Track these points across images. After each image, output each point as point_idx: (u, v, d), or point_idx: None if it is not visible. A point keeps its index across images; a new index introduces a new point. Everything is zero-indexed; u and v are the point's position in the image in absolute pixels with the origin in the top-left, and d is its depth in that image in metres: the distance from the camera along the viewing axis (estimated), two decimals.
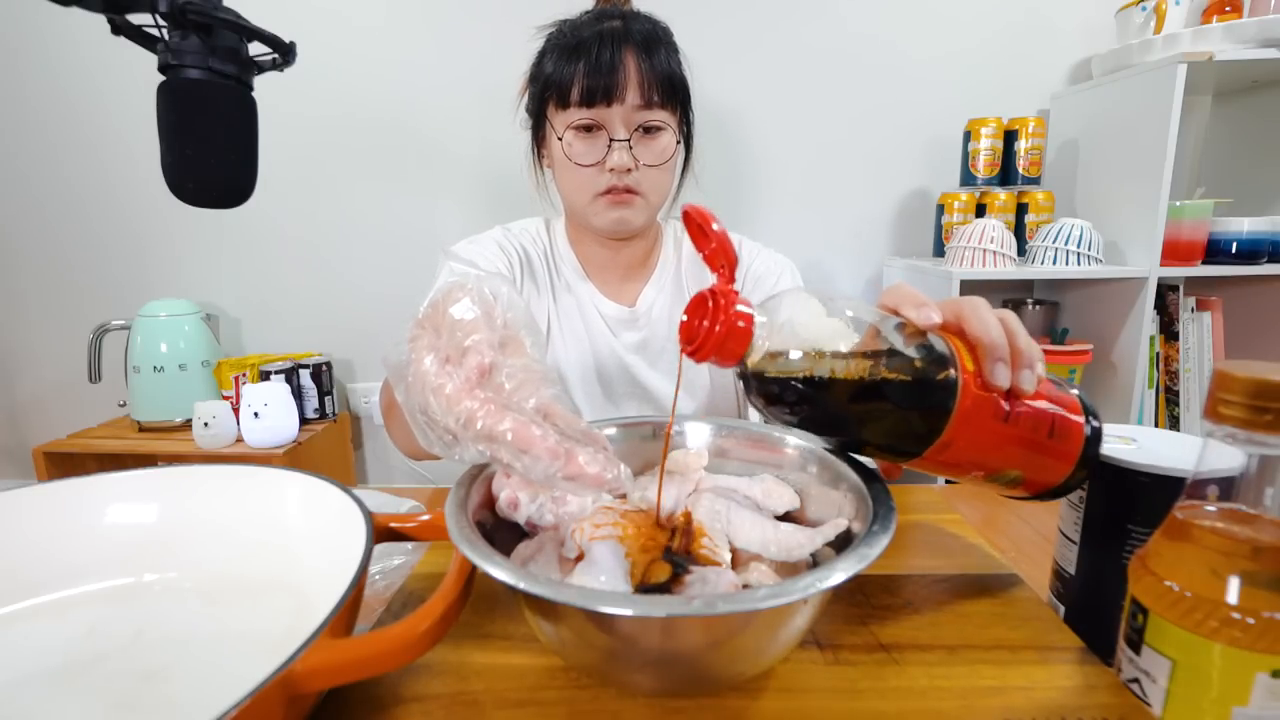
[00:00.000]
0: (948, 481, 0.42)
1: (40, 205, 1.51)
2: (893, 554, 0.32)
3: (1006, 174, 1.37)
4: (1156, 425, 1.36)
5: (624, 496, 0.43)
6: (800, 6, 1.44)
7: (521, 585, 0.28)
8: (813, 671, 0.36)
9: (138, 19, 0.44)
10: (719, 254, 0.34)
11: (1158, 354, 1.35)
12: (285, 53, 0.47)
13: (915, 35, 1.45)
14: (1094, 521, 0.38)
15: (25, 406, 1.62)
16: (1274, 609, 0.26)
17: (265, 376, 1.39)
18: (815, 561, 0.37)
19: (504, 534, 0.38)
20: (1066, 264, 1.27)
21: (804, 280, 0.84)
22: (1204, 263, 1.27)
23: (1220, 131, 1.47)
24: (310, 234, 1.52)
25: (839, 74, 1.46)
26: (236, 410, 1.31)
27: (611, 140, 0.67)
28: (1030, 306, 1.47)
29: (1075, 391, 0.37)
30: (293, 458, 1.31)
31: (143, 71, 0.59)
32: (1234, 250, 1.26)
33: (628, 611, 0.27)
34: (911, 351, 0.33)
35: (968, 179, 1.38)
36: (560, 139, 0.69)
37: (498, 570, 0.29)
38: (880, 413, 0.33)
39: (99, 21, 0.44)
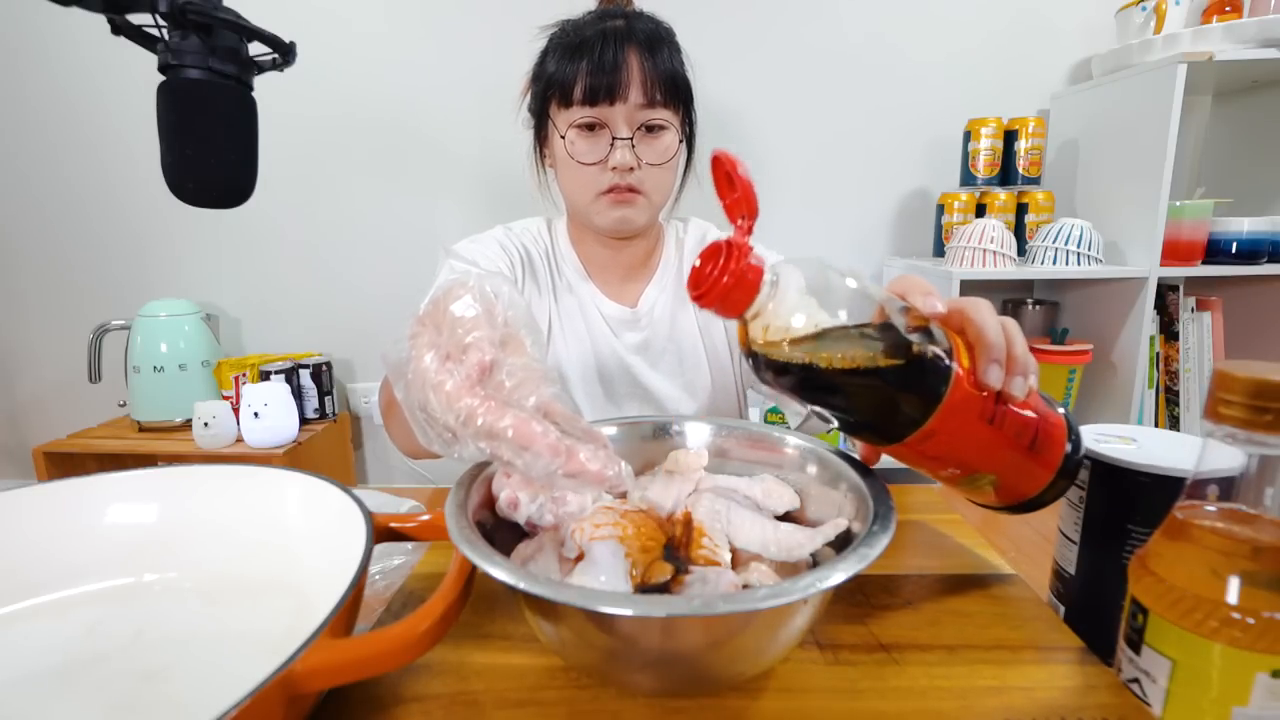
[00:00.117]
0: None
1: (40, 205, 1.51)
2: (893, 554, 0.32)
3: (1006, 174, 1.37)
4: (1156, 425, 1.36)
5: (624, 495, 0.43)
6: (801, 7, 1.44)
7: (521, 585, 0.28)
8: (813, 671, 0.36)
9: (138, 19, 0.44)
10: (741, 204, 0.34)
11: (1158, 354, 1.35)
12: (285, 53, 0.47)
13: (915, 35, 1.45)
14: (1094, 521, 0.38)
15: (25, 406, 1.62)
16: (1274, 609, 0.26)
17: (265, 376, 1.39)
18: (815, 561, 0.37)
19: (504, 534, 0.38)
20: (1066, 264, 1.27)
21: None
22: (1204, 263, 1.27)
23: (1220, 131, 1.47)
24: (310, 234, 1.52)
25: (839, 74, 1.46)
26: (236, 410, 1.31)
27: (614, 139, 0.67)
28: (1030, 306, 1.47)
29: (1063, 412, 0.38)
30: (293, 458, 1.31)
31: (143, 71, 0.59)
32: (1234, 250, 1.26)
33: (628, 611, 0.27)
34: (912, 335, 0.33)
35: (968, 179, 1.39)
36: (563, 137, 0.69)
37: (498, 570, 0.29)
38: (872, 389, 0.33)
39: (99, 21, 0.44)
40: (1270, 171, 1.40)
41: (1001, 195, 1.36)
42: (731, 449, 0.48)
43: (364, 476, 1.68)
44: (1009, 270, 1.27)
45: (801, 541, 0.37)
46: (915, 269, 1.40)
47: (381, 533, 0.39)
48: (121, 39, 0.45)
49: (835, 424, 0.36)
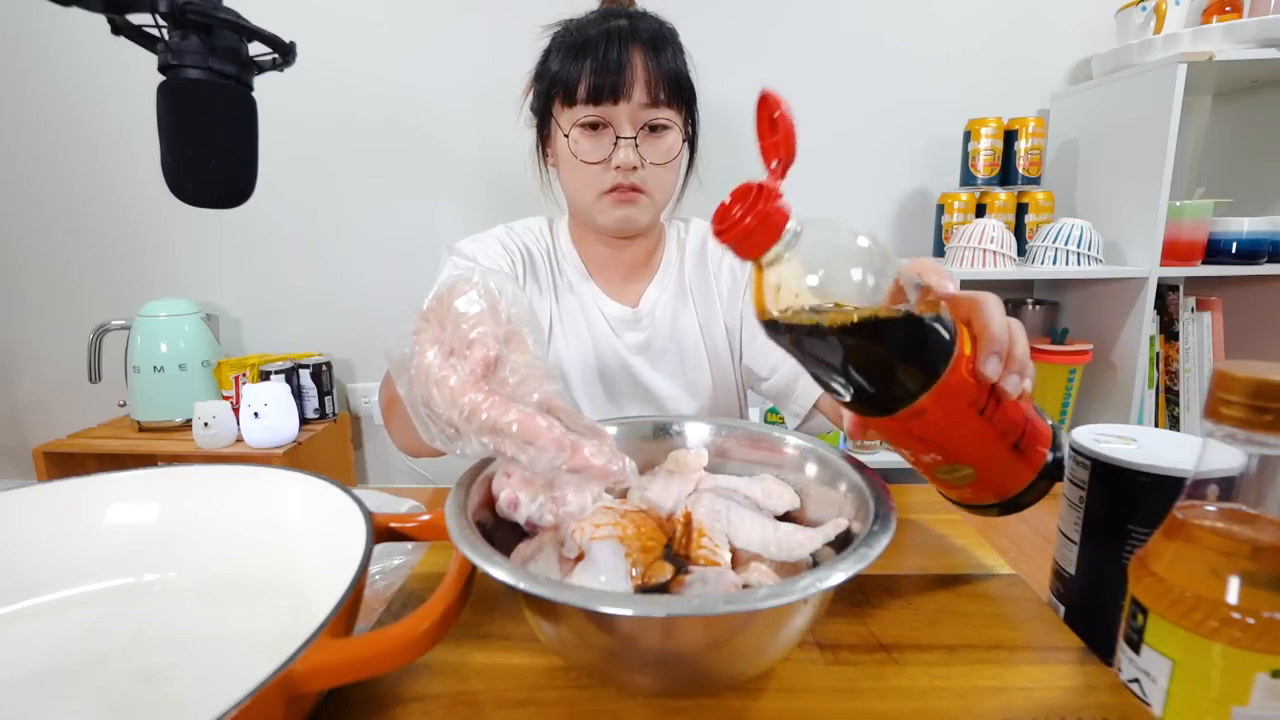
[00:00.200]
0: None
1: (40, 205, 1.51)
2: (893, 554, 0.32)
3: (1006, 174, 1.37)
4: (1156, 425, 1.36)
5: (624, 495, 0.43)
6: (801, 7, 1.44)
7: (521, 585, 0.28)
8: (813, 671, 0.36)
9: (138, 19, 0.44)
10: (780, 147, 0.34)
11: (1158, 354, 1.35)
12: (285, 53, 0.47)
13: (915, 35, 1.45)
14: (1094, 521, 0.38)
15: (25, 406, 1.62)
16: (1274, 609, 0.26)
17: (265, 376, 1.39)
18: (815, 561, 0.37)
19: (504, 534, 0.38)
20: (1066, 264, 1.27)
21: None
22: (1204, 263, 1.27)
23: (1220, 131, 1.47)
24: (310, 234, 1.52)
25: (839, 74, 1.46)
26: (236, 410, 1.31)
27: (618, 138, 0.67)
28: (1030, 306, 1.47)
29: (1051, 424, 0.38)
30: (293, 458, 1.31)
31: (143, 71, 0.59)
32: (1234, 250, 1.26)
33: (628, 611, 0.27)
34: (922, 310, 0.33)
35: (968, 179, 1.39)
36: (567, 135, 0.69)
37: (498, 570, 0.29)
38: (875, 352, 0.33)
39: (99, 21, 0.44)
40: (1270, 171, 1.40)
41: (1001, 195, 1.36)
42: (731, 449, 0.48)
43: (364, 476, 1.68)
44: (1009, 270, 1.27)
45: (801, 541, 0.37)
46: None
47: (381, 533, 0.39)
48: (121, 39, 0.45)
49: (832, 387, 0.36)
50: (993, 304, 0.36)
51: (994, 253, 1.26)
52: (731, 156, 1.52)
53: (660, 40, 0.68)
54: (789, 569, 0.37)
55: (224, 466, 0.46)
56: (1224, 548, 0.27)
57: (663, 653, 0.31)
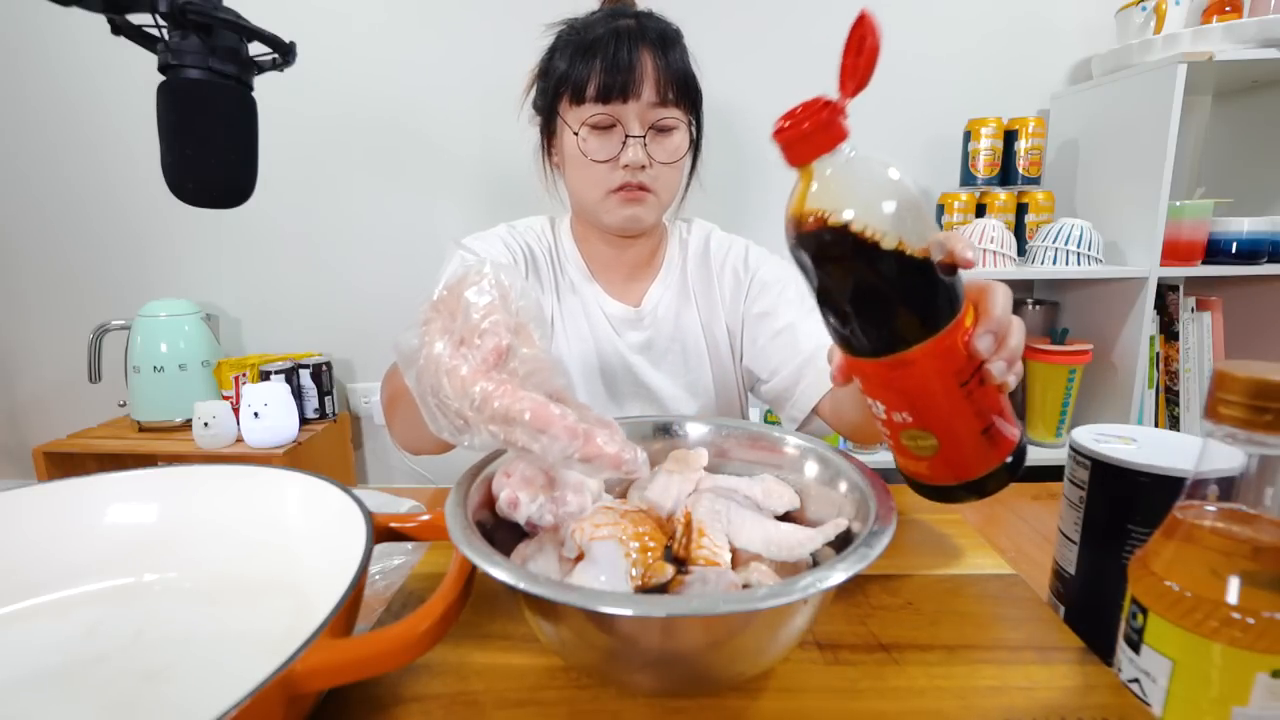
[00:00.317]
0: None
1: (40, 205, 1.51)
2: (893, 554, 0.32)
3: (1006, 174, 1.37)
4: (1156, 425, 1.36)
5: (624, 496, 0.43)
6: (802, 7, 1.44)
7: (521, 585, 0.28)
8: (813, 671, 0.36)
9: (138, 19, 0.44)
10: (859, 70, 0.35)
11: (1158, 354, 1.35)
12: (285, 53, 0.47)
13: (915, 35, 1.45)
14: (1094, 521, 0.38)
15: (25, 406, 1.62)
16: (1274, 609, 0.26)
17: (265, 376, 1.39)
18: (815, 561, 0.37)
19: (504, 534, 0.38)
20: (1066, 264, 1.27)
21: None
22: (1204, 263, 1.27)
23: (1220, 131, 1.47)
24: (310, 234, 1.52)
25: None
26: (236, 410, 1.31)
27: (627, 137, 0.68)
28: (1030, 306, 1.47)
29: (1019, 435, 0.39)
30: (293, 458, 1.31)
31: (143, 71, 0.59)
32: (1234, 250, 1.26)
33: (628, 611, 0.27)
34: (941, 268, 0.34)
35: (968, 179, 1.38)
36: (576, 134, 0.69)
37: (498, 570, 0.29)
38: (885, 287, 0.34)
39: (99, 21, 0.44)
40: (1270, 171, 1.40)
41: (1001, 195, 1.36)
42: (732, 449, 0.48)
43: (364, 476, 1.68)
44: (1009, 270, 1.27)
45: (801, 541, 0.37)
46: None
47: (381, 533, 0.39)
48: (121, 39, 0.45)
49: (832, 319, 0.36)
50: (1002, 292, 0.38)
51: (994, 253, 1.26)
52: (732, 157, 1.53)
53: (668, 40, 0.68)
54: (789, 569, 0.38)
55: (224, 466, 0.46)
56: (1224, 548, 0.27)
57: (663, 653, 0.31)
